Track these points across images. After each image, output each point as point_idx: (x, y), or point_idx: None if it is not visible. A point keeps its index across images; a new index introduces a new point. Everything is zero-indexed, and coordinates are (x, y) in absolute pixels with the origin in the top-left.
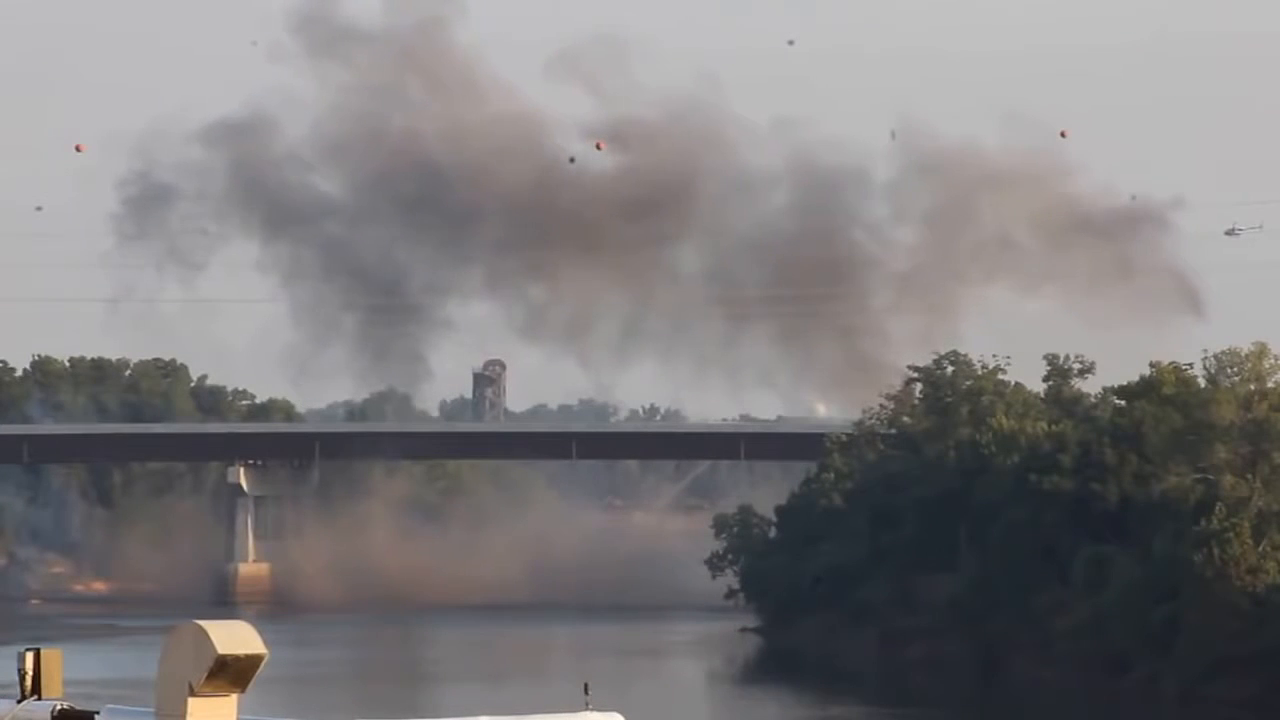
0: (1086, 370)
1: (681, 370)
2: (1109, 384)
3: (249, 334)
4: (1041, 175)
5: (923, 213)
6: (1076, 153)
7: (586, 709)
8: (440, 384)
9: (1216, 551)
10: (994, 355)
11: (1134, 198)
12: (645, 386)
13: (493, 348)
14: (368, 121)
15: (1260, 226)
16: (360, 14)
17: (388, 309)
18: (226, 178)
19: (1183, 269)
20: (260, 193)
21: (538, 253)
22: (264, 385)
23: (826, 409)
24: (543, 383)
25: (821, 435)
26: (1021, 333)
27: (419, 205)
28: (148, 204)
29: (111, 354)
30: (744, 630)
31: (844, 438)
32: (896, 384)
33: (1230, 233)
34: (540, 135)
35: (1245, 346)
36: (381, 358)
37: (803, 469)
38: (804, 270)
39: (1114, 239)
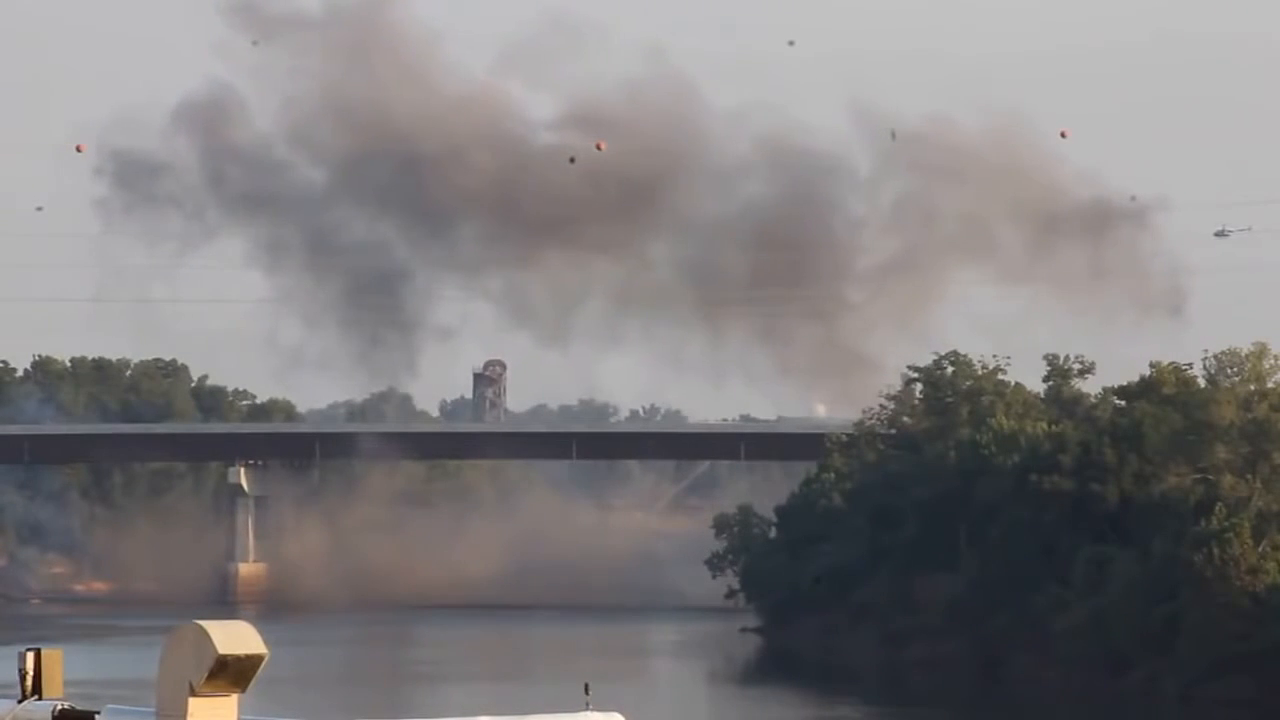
0: (1086, 370)
1: (660, 363)
2: (1101, 383)
3: (231, 327)
4: (1027, 173)
5: (903, 205)
6: (1065, 151)
7: (587, 709)
8: (431, 382)
9: (1216, 551)
10: (994, 355)
11: (1133, 198)
12: (627, 378)
13: (471, 341)
14: (327, 110)
15: (1250, 228)
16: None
17: (376, 306)
18: (196, 166)
19: (1166, 269)
20: (229, 182)
21: (513, 244)
22: (258, 382)
23: (825, 408)
24: (543, 383)
25: (821, 435)
26: (1003, 328)
27: (390, 198)
28: (129, 184)
29: (112, 354)
30: (744, 630)
31: (844, 438)
32: (876, 376)
33: (1220, 234)
34: (507, 123)
35: (1245, 346)
36: (366, 350)
37: (803, 469)
38: (781, 261)
39: (1098, 237)
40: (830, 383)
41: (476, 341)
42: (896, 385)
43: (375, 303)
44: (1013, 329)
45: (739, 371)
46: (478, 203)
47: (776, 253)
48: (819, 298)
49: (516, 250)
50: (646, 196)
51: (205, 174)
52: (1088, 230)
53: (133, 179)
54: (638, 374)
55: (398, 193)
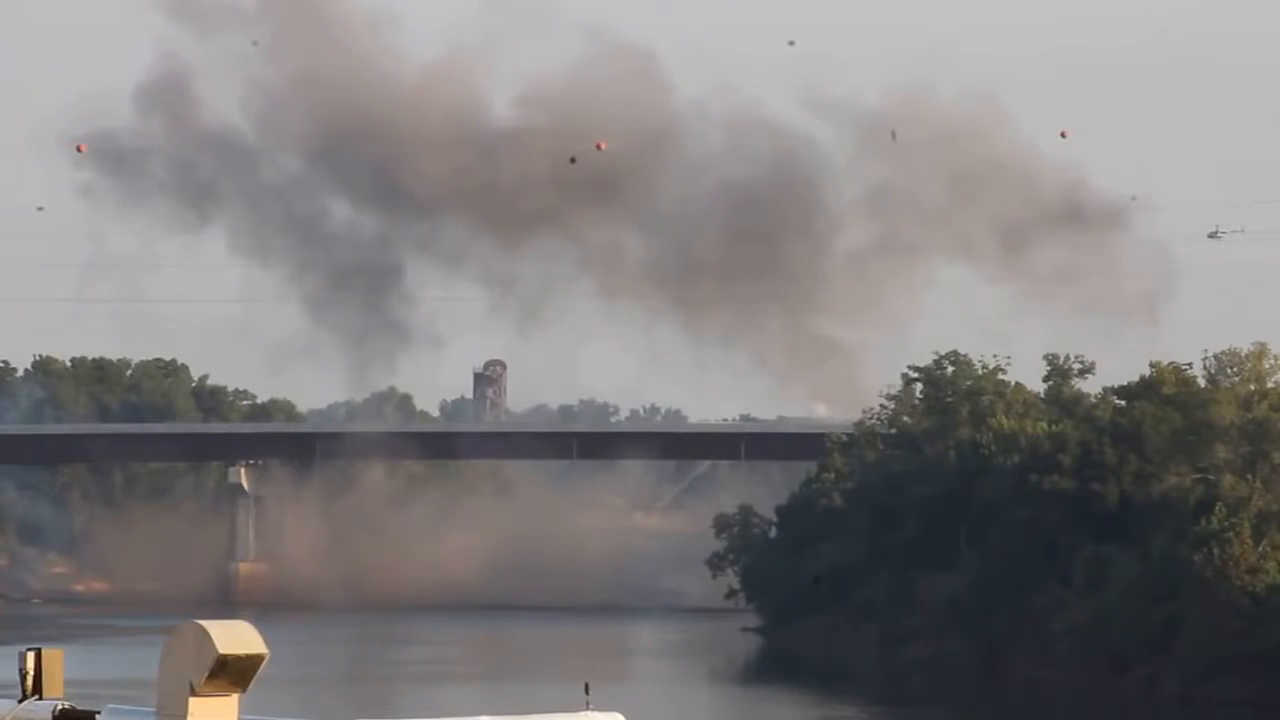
0: (1087, 370)
1: (641, 357)
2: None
3: (222, 322)
4: (1013, 170)
5: (880, 198)
6: (1054, 150)
7: (587, 709)
8: (431, 381)
9: (1216, 551)
10: (994, 355)
11: (1134, 198)
12: (611, 372)
13: (462, 338)
14: (290, 102)
15: (1243, 230)
16: None
17: (363, 305)
18: (166, 156)
19: (1151, 270)
20: (200, 174)
21: (489, 237)
22: (257, 381)
23: (825, 408)
24: (543, 383)
25: (821, 435)
26: (985, 324)
27: (361, 191)
28: (111, 174)
29: (113, 354)
30: (744, 630)
31: (844, 438)
32: (853, 366)
33: (1213, 235)
34: (470, 114)
35: (1245, 346)
36: (354, 346)
37: (803, 469)
38: (755, 253)
39: (1084, 237)
40: (807, 375)
41: (468, 338)
42: (878, 379)
43: (362, 300)
44: (997, 326)
45: (719, 365)
46: (451, 194)
47: (750, 245)
48: (794, 291)
49: (494, 243)
50: (619, 187)
51: (175, 165)
52: (1073, 230)
53: (113, 169)
54: (621, 367)
55: (366, 185)
